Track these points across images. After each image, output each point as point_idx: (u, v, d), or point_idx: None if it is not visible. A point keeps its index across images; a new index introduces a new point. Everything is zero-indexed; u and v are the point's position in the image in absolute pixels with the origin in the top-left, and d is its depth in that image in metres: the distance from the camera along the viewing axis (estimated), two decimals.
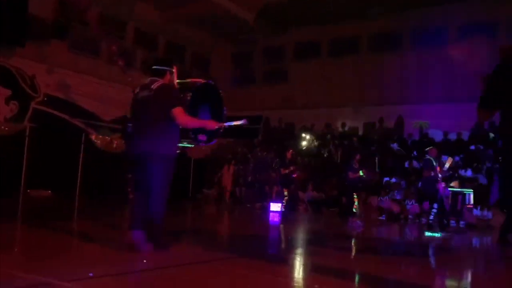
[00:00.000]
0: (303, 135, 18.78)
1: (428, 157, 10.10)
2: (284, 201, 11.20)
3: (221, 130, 4.96)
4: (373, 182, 14.38)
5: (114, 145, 14.22)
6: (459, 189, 12.85)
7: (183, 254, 4.67)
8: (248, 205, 15.27)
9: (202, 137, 4.94)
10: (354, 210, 10.91)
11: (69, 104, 15.27)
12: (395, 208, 13.31)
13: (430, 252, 7.09)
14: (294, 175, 11.69)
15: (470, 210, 12.65)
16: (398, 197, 13.86)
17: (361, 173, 10.80)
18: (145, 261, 4.06)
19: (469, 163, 15.45)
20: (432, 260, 6.33)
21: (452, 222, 12.10)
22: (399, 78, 18.72)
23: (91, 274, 3.31)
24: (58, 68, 14.95)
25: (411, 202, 13.23)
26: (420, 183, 11.36)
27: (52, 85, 14.82)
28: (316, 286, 3.57)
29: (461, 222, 12.43)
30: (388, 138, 18.22)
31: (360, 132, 19.43)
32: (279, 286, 3.62)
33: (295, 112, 19.71)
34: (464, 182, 14.05)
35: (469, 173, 15.05)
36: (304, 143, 18.45)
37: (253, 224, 9.94)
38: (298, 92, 19.88)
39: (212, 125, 4.69)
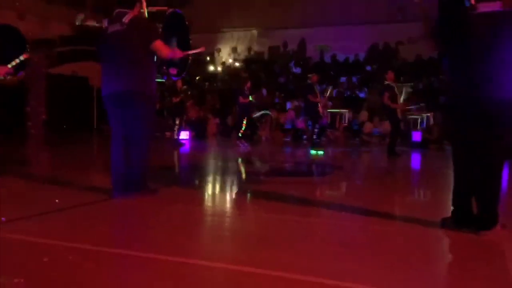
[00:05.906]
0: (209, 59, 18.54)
1: (309, 82, 10.61)
2: (175, 130, 11.17)
3: (189, 61, 4.85)
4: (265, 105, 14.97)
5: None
6: (337, 110, 13.95)
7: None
8: (158, 134, 15.14)
9: (173, 70, 4.81)
10: (239, 134, 11.54)
11: None
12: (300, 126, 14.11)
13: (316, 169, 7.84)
14: (188, 103, 11.79)
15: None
16: (300, 119, 14.64)
17: (250, 98, 11.37)
18: (57, 200, 4.06)
19: (365, 83, 16.56)
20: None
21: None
22: (302, 1, 18.90)
23: (3, 219, 3.27)
24: None
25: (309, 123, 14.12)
26: (303, 105, 12.13)
27: None
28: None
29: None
30: (291, 61, 18.73)
31: (266, 56, 19.71)
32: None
33: (199, 36, 19.18)
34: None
35: (362, 94, 16.17)
36: (211, 68, 18.30)
37: (163, 153, 10.00)
38: (201, 15, 19.28)
39: (180, 54, 4.45)
